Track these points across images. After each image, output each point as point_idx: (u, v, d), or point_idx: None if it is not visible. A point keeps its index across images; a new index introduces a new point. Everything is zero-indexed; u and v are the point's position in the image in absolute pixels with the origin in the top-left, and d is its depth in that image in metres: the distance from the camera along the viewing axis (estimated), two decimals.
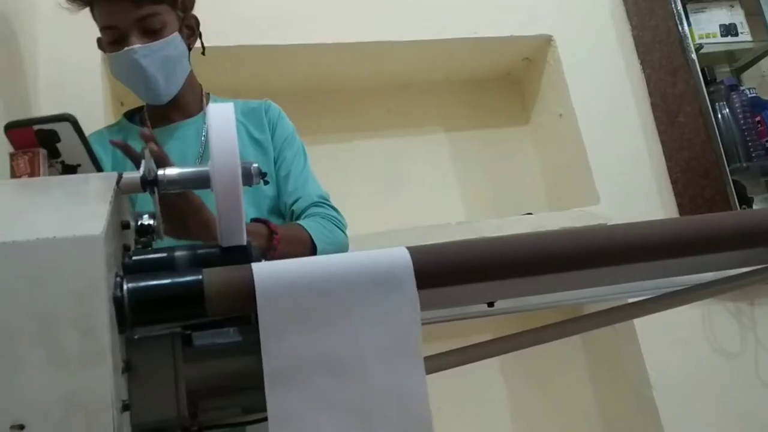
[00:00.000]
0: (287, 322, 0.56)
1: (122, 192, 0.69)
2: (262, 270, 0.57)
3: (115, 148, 0.89)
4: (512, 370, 2.33)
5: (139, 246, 0.74)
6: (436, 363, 0.76)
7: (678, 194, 2.31)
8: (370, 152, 2.42)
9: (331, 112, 2.41)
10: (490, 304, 0.90)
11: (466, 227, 2.05)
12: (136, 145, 1.00)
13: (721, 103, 2.30)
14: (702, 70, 2.23)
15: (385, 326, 0.58)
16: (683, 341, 2.15)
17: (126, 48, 1.18)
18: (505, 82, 2.66)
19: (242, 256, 0.63)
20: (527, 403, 2.32)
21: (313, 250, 1.15)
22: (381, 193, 2.36)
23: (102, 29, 1.22)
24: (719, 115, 2.27)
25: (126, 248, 0.65)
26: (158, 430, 0.59)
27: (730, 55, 2.50)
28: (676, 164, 2.31)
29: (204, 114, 1.30)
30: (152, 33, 1.20)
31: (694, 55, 2.23)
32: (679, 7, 2.26)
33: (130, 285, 0.55)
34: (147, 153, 0.73)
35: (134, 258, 0.62)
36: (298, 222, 1.22)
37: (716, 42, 2.34)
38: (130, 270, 0.60)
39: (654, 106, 2.39)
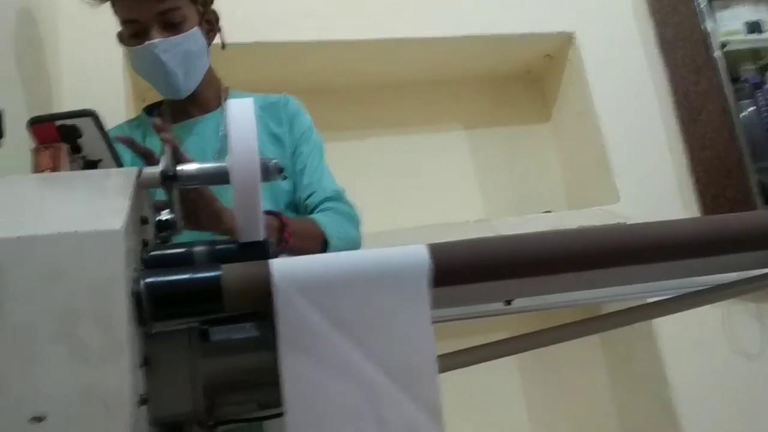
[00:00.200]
0: (304, 318, 0.56)
1: (142, 187, 0.69)
2: (280, 266, 0.57)
3: (124, 144, 0.89)
4: (530, 369, 2.32)
5: (158, 241, 0.75)
6: (452, 361, 0.76)
7: (700, 194, 2.29)
8: (389, 149, 2.42)
9: (350, 108, 2.41)
10: (508, 303, 0.89)
11: (484, 225, 2.05)
12: (155, 140, 1.00)
13: (746, 101, 2.27)
14: (726, 68, 2.20)
15: (399, 323, 0.58)
16: (703, 342, 2.13)
17: (146, 42, 1.19)
18: (526, 80, 2.64)
19: (260, 251, 0.63)
20: (544, 402, 2.31)
21: (324, 245, 1.15)
22: (399, 191, 2.36)
23: (122, 23, 1.22)
24: (743, 114, 2.24)
25: (145, 243, 0.65)
26: (175, 424, 0.59)
27: (754, 53, 2.46)
28: (699, 163, 2.28)
29: (223, 109, 1.30)
30: (172, 27, 1.21)
31: (718, 53, 2.20)
32: (703, 4, 2.23)
33: (149, 280, 0.56)
34: (166, 148, 0.74)
35: (153, 253, 0.62)
36: (311, 216, 1.22)
37: (741, 39, 2.30)
38: (149, 265, 0.60)
39: (676, 105, 2.36)
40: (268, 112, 1.34)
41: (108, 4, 1.22)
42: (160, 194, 0.74)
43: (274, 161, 0.70)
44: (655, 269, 0.74)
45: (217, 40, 1.34)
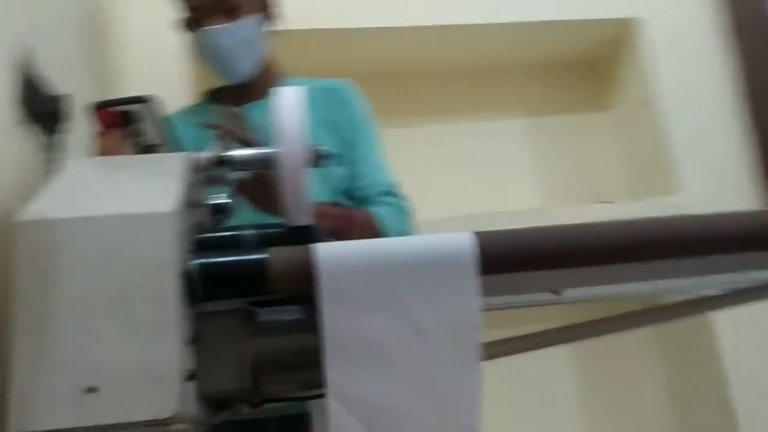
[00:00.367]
0: (347, 302, 0.57)
1: (197, 171, 0.71)
2: (324, 250, 0.58)
3: (201, 128, 0.93)
4: (583, 363, 2.29)
5: (213, 224, 0.77)
6: (497, 349, 0.76)
7: None
8: (446, 137, 2.41)
9: (409, 96, 2.40)
10: (556, 293, 0.89)
11: (542, 214, 2.02)
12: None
13: None
14: None
15: (443, 311, 0.59)
16: (764, 338, 2.05)
17: (206, 28, 1.22)
18: (587, 67, 2.58)
19: (306, 236, 0.64)
20: (597, 396, 2.27)
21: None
22: (457, 178, 2.35)
23: (183, 9, 1.26)
24: None
25: (198, 226, 0.67)
26: (222, 400, 0.61)
27: None
28: None
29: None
30: (232, 13, 1.23)
31: None
32: None
33: (200, 261, 0.58)
34: (226, 135, 0.76)
35: (205, 235, 0.64)
36: (370, 209, 1.24)
37: None
38: (200, 247, 0.62)
39: (749, 95, 2.27)
40: (324, 98, 1.35)
41: None
42: None
43: (322, 147, 0.71)
44: (714, 261, 0.72)
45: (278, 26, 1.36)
